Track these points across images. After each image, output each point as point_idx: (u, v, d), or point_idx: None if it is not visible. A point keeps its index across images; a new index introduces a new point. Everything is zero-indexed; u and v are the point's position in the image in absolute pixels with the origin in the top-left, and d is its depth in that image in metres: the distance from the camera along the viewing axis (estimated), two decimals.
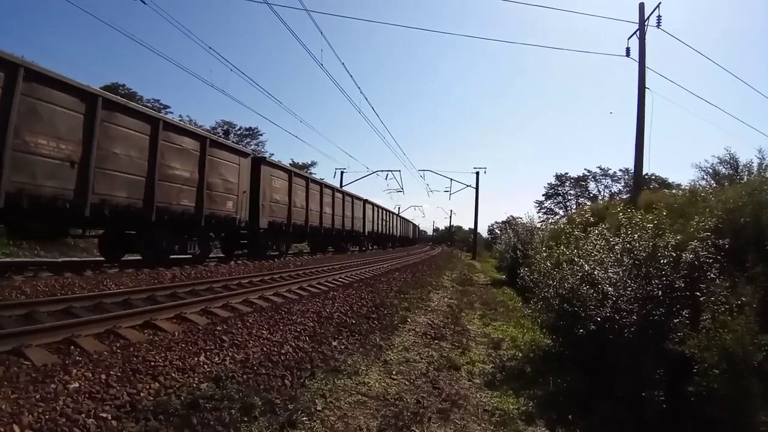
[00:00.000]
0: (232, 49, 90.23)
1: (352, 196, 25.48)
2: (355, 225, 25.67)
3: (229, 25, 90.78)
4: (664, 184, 29.20)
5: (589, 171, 58.24)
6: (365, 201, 28.34)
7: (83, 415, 2.64)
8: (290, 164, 22.04)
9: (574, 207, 47.82)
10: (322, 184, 20.32)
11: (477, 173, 38.40)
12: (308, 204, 18.02)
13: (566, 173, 60.24)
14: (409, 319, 6.90)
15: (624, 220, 4.87)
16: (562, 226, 9.91)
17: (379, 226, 33.03)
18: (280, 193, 15.59)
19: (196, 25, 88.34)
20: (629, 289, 4.00)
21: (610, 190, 55.17)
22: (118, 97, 9.61)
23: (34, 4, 55.84)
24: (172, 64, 38.71)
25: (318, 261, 15.42)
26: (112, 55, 64.51)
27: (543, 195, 61.33)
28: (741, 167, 9.89)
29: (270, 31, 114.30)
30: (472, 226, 47.81)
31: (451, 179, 56.01)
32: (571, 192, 60.12)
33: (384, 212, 35.17)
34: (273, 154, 42.05)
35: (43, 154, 7.14)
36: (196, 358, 3.88)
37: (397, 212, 45.91)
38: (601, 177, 57.67)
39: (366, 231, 28.47)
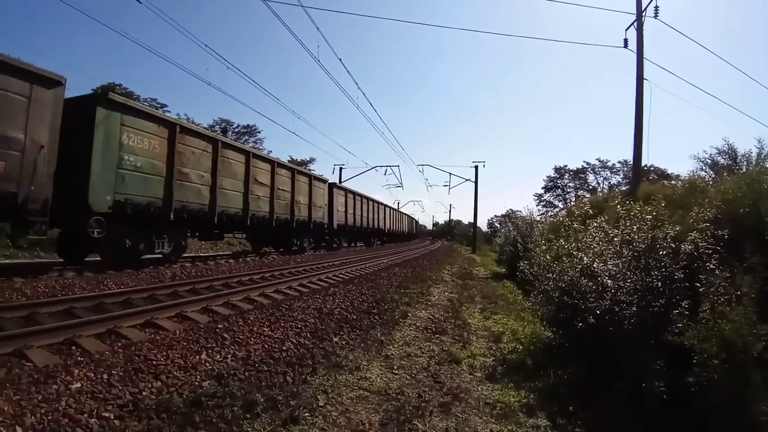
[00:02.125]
0: (228, 46, 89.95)
1: (356, 194, 25.69)
2: (364, 222, 26.28)
3: (225, 23, 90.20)
4: (663, 175, 29.28)
5: (588, 163, 58.35)
6: (370, 199, 28.56)
7: (86, 415, 2.65)
8: (288, 161, 22.10)
9: (574, 199, 47.92)
10: (333, 186, 21.52)
11: (476, 167, 38.41)
12: (311, 202, 18.69)
13: (565, 166, 60.36)
14: (409, 314, 6.92)
15: (623, 212, 4.86)
16: (561, 218, 9.91)
17: (381, 221, 33.15)
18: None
19: (191, 23, 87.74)
20: (628, 281, 3.99)
21: (609, 182, 55.33)
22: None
23: (30, 4, 55.38)
24: (168, 62, 38.48)
25: (319, 257, 15.45)
26: (108, 54, 64.23)
27: (542, 188, 61.52)
28: (740, 157, 9.90)
29: (266, 27, 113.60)
30: (472, 220, 47.76)
31: (450, 173, 56.03)
32: (571, 184, 60.18)
33: (386, 208, 35.31)
34: (271, 151, 41.99)
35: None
36: (197, 356, 3.89)
37: (396, 207, 45.91)
38: (600, 169, 57.75)
39: (370, 227, 28.68)
